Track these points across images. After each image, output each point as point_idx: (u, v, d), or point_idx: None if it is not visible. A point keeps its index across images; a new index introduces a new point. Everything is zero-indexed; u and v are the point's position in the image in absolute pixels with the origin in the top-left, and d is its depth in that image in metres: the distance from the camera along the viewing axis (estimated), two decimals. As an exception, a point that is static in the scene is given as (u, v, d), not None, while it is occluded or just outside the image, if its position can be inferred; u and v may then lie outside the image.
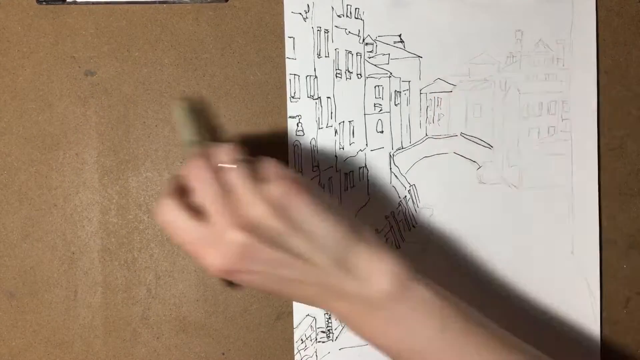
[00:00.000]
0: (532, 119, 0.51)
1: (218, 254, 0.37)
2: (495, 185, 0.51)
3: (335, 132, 0.51)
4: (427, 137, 0.51)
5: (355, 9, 0.50)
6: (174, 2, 0.50)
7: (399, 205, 0.51)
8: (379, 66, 0.51)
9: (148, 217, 0.50)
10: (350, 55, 0.51)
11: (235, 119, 0.51)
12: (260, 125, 0.51)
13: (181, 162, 0.50)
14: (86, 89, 0.50)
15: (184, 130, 0.45)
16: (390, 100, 0.51)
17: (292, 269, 0.37)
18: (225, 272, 0.37)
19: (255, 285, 0.39)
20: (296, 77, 0.50)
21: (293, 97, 0.50)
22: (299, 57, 0.50)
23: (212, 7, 0.50)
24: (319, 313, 0.50)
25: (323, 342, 0.51)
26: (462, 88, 0.51)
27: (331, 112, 0.51)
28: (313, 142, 0.51)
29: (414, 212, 0.51)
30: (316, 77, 0.51)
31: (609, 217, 0.52)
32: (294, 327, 0.50)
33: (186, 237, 0.38)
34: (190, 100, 0.48)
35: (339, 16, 0.50)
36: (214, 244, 0.37)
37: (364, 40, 0.51)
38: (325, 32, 0.50)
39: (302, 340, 0.51)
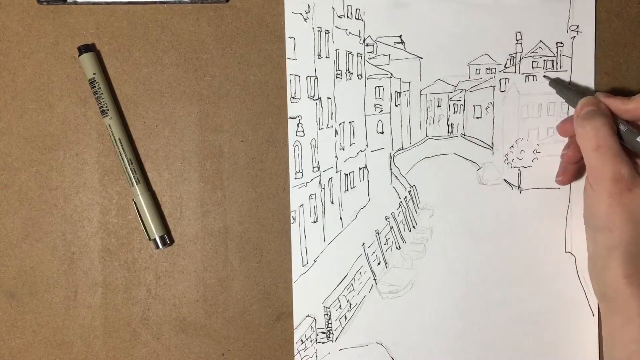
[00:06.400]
0: (532, 120, 0.51)
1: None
2: (495, 186, 0.51)
3: (336, 132, 0.51)
4: (427, 137, 0.51)
5: (356, 9, 0.50)
6: (174, 3, 0.50)
7: (399, 206, 0.51)
8: (380, 67, 0.51)
9: (148, 218, 0.50)
10: (350, 55, 0.51)
11: (236, 119, 0.51)
12: (261, 126, 0.51)
13: (181, 163, 0.50)
14: (86, 89, 0.50)
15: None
16: (391, 101, 0.51)
17: None
18: (612, 181, 0.44)
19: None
20: (297, 77, 0.50)
21: (293, 98, 0.50)
22: (299, 58, 0.50)
23: (212, 8, 0.50)
24: (319, 314, 0.51)
25: (323, 342, 0.51)
26: (462, 89, 0.51)
27: (331, 113, 0.51)
28: (313, 143, 0.51)
29: (414, 212, 0.51)
30: (317, 77, 0.51)
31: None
32: (294, 327, 0.50)
33: (604, 145, 0.45)
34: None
35: (339, 17, 0.50)
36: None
37: (364, 40, 0.51)
38: (325, 33, 0.50)
39: (302, 340, 0.51)
